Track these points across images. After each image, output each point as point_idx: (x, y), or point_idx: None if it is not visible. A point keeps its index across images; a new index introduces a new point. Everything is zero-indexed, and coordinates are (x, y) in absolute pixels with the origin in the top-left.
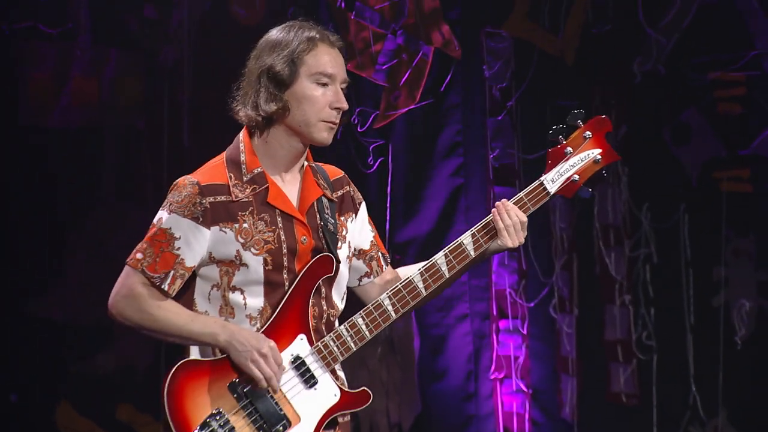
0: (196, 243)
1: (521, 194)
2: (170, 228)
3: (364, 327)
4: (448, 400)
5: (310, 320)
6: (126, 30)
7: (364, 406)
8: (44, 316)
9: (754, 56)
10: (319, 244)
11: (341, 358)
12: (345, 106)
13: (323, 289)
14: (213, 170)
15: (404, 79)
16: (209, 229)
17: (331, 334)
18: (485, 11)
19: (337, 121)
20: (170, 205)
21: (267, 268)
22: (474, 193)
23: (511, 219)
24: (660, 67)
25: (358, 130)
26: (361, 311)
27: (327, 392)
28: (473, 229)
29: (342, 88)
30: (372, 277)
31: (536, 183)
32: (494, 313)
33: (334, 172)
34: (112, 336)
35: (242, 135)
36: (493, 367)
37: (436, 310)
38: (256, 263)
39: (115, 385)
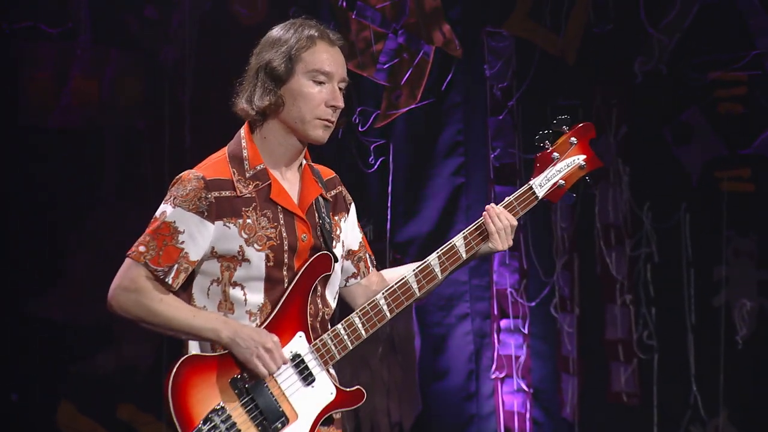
0: (200, 237)
1: (511, 198)
2: (174, 221)
3: (360, 326)
4: (449, 399)
5: (308, 318)
6: (126, 30)
7: (358, 405)
8: (45, 316)
9: (755, 56)
10: (317, 243)
11: (338, 357)
12: (341, 104)
13: (319, 288)
14: (216, 165)
15: (405, 78)
16: (213, 224)
17: (329, 332)
18: (486, 10)
19: (333, 119)
20: (174, 198)
21: (269, 264)
22: (475, 193)
23: (501, 222)
24: (661, 66)
25: (359, 129)
26: (357, 310)
27: (324, 390)
28: (465, 232)
29: (340, 87)
30: (359, 278)
31: (525, 187)
32: (495, 312)
33: (327, 172)
34: (112, 335)
35: (243, 131)
36: (494, 366)
37: (437, 309)
38: (258, 259)
39: (115, 384)
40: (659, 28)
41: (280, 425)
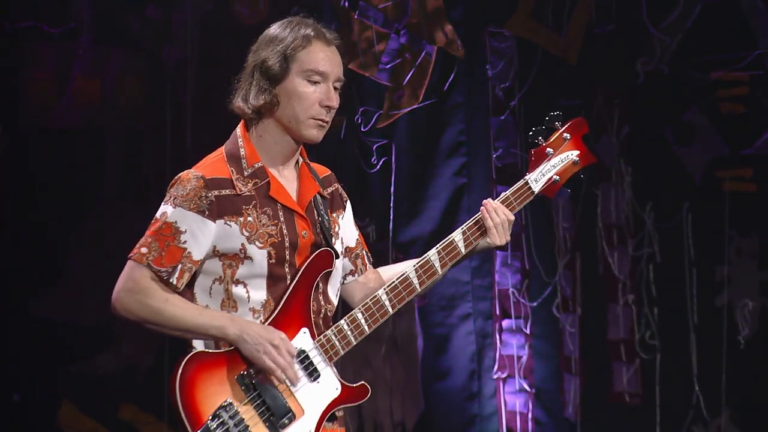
0: (202, 236)
1: (507, 193)
2: (176, 221)
3: (363, 322)
4: (451, 399)
5: (311, 314)
6: (128, 30)
7: (363, 400)
8: (46, 316)
9: (757, 56)
10: (317, 239)
11: (342, 352)
12: (335, 104)
13: (321, 285)
14: (214, 165)
15: (407, 78)
16: (215, 222)
17: (333, 328)
18: (488, 11)
19: (327, 119)
20: (174, 199)
21: (271, 261)
22: (477, 193)
23: (499, 217)
24: (663, 66)
25: (362, 129)
26: (360, 306)
27: (329, 386)
28: (463, 227)
29: (336, 87)
30: (356, 275)
31: (521, 182)
32: (497, 312)
33: (323, 170)
34: (114, 335)
35: (239, 130)
36: (496, 366)
37: (440, 309)
38: (260, 257)
39: (117, 384)
40: (661, 28)
41: (287, 421)
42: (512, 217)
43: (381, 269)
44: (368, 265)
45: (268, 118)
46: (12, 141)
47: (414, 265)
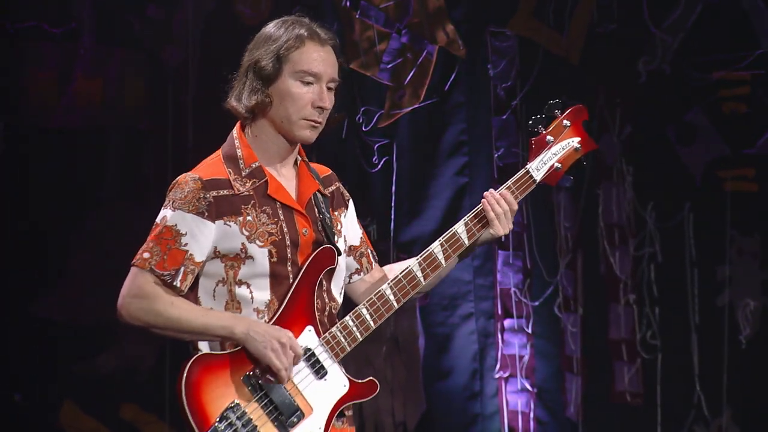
0: (202, 237)
1: (509, 183)
2: (176, 225)
3: (368, 317)
4: (452, 398)
5: (316, 312)
6: (129, 30)
7: (371, 396)
8: (47, 316)
9: (759, 55)
10: (319, 237)
11: (348, 349)
12: (327, 105)
13: (324, 282)
14: (212, 166)
15: (409, 78)
16: (214, 223)
17: (338, 325)
18: (490, 10)
19: (320, 119)
20: (173, 202)
21: (272, 260)
22: (478, 193)
23: (501, 208)
24: (665, 66)
25: (363, 129)
26: (365, 302)
27: (337, 383)
28: (466, 218)
29: (330, 87)
30: (362, 274)
31: (522, 171)
32: (499, 312)
33: (323, 169)
34: (115, 335)
35: (235, 131)
36: (497, 366)
37: (441, 309)
38: (261, 255)
39: (118, 384)
40: (663, 27)
41: (296, 419)
42: (515, 207)
43: (387, 267)
44: (374, 263)
45: (262, 119)
46: (13, 141)
47: (417, 259)
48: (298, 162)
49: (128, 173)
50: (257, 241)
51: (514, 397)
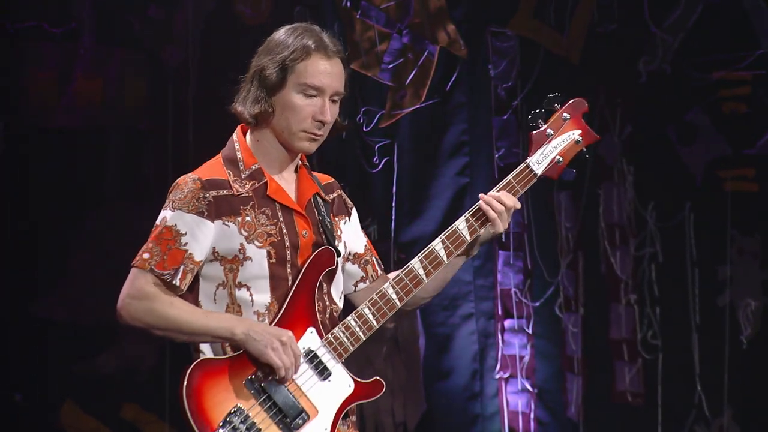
0: (202, 236)
1: (509, 177)
2: (175, 225)
3: (370, 316)
4: (453, 399)
5: (317, 314)
6: (130, 30)
7: (378, 396)
8: (48, 316)
9: (760, 55)
10: (319, 239)
11: (352, 349)
12: (328, 119)
13: (324, 285)
14: (212, 167)
15: (410, 78)
16: (213, 222)
17: (340, 325)
18: (491, 10)
19: (320, 132)
20: (173, 203)
21: (271, 261)
22: (479, 193)
23: (497, 209)
24: (665, 66)
25: (364, 129)
26: (366, 301)
27: (341, 383)
28: (467, 214)
29: (334, 99)
30: (368, 281)
31: (522, 165)
32: (499, 312)
33: (325, 178)
34: (115, 335)
35: (236, 135)
36: (498, 366)
37: (442, 309)
38: (260, 256)
39: (119, 384)
40: (663, 27)
41: (300, 421)
42: (518, 204)
43: (392, 274)
44: (379, 271)
45: (265, 126)
46: (13, 140)
47: (419, 257)
48: (299, 166)
49: (128, 173)
50: (256, 242)
51: (515, 398)
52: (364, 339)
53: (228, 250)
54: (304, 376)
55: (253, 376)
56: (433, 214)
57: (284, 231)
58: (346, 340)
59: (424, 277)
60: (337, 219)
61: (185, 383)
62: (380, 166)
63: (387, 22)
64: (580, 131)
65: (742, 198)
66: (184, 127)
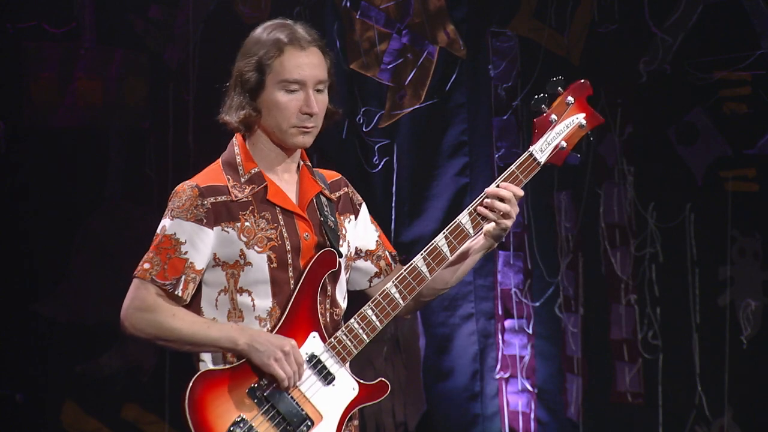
0: (201, 244)
1: (512, 168)
2: (175, 233)
3: (374, 318)
4: (453, 399)
5: (320, 317)
6: (131, 30)
7: (383, 397)
8: (49, 316)
9: (760, 55)
10: (321, 240)
11: (355, 352)
12: (314, 110)
13: (328, 288)
14: (210, 173)
15: (409, 78)
16: (212, 229)
17: (343, 328)
18: (491, 10)
19: (310, 124)
20: (172, 211)
21: (272, 265)
22: (479, 193)
23: (508, 195)
24: (666, 66)
25: (363, 129)
26: (370, 302)
27: (345, 387)
28: (470, 208)
29: (319, 89)
30: (382, 276)
31: (526, 155)
32: (499, 312)
33: (332, 174)
34: (117, 335)
35: (236, 139)
36: (498, 366)
37: (442, 309)
38: (260, 261)
39: (120, 384)
40: (664, 27)
41: (305, 428)
42: (521, 192)
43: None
44: (393, 264)
45: (257, 129)
46: (14, 141)
47: (422, 254)
48: (301, 166)
49: (129, 173)
50: (255, 247)
51: (515, 398)
52: (367, 341)
53: (228, 256)
54: (308, 382)
55: (255, 385)
56: (433, 214)
57: (285, 234)
58: (349, 344)
59: (428, 275)
60: (342, 218)
61: (187, 396)
62: (380, 167)
63: (387, 22)
64: (584, 114)
65: (743, 198)
66: (184, 127)
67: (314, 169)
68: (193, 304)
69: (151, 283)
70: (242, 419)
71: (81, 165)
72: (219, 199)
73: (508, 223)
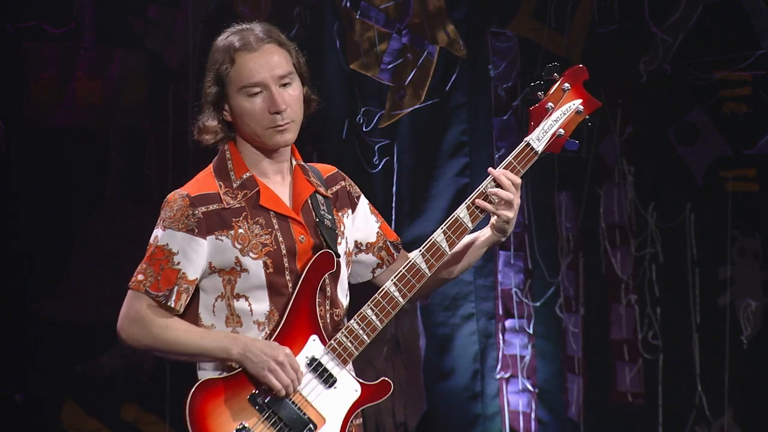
0: (194, 255)
1: (509, 158)
2: (167, 244)
3: (374, 317)
4: (454, 399)
5: (319, 320)
6: (130, 30)
7: (386, 397)
8: (50, 316)
9: (760, 56)
10: (317, 242)
11: (356, 353)
12: (280, 108)
13: (328, 288)
14: (202, 181)
15: (409, 78)
16: (205, 239)
17: (343, 330)
18: (491, 10)
19: (283, 122)
20: (163, 221)
21: (268, 271)
22: None
23: (506, 183)
24: (666, 66)
25: (363, 129)
26: (369, 302)
27: (348, 389)
28: (467, 201)
29: (285, 83)
30: (384, 267)
31: (522, 144)
32: (500, 312)
33: (327, 169)
34: (117, 336)
35: (227, 145)
36: (499, 366)
37: (442, 309)
38: (256, 267)
39: (120, 384)
40: (664, 27)
41: None
42: (518, 181)
43: (412, 253)
44: (395, 254)
45: (238, 137)
46: (14, 141)
47: (420, 250)
48: (294, 165)
49: (129, 173)
50: (251, 253)
51: (515, 398)
52: (368, 342)
53: (224, 264)
54: (309, 386)
55: (256, 392)
56: (434, 214)
57: (280, 239)
58: (350, 345)
59: (427, 271)
60: (340, 214)
61: (188, 406)
62: (380, 167)
63: (386, 23)
64: (581, 100)
65: (743, 198)
66: (184, 127)
67: (309, 164)
68: (191, 311)
69: (145, 294)
70: (244, 427)
71: (81, 165)
72: (211, 207)
73: (509, 213)
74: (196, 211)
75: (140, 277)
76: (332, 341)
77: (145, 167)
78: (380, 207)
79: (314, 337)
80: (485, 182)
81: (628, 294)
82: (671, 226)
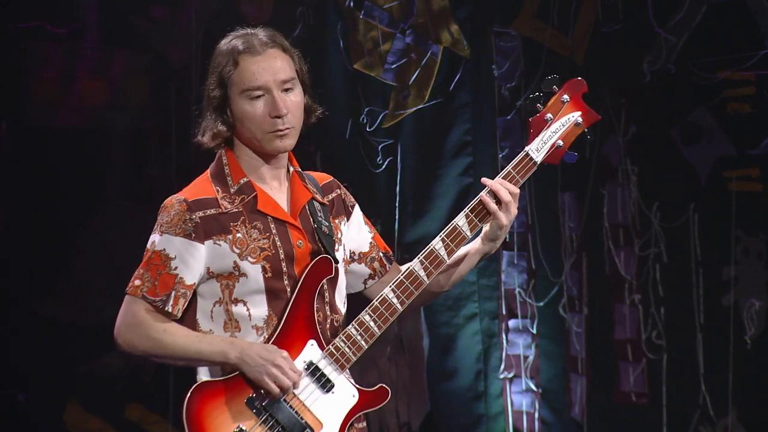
0: (192, 260)
1: (508, 168)
2: (164, 249)
3: (372, 323)
4: (457, 399)
5: (317, 325)
6: (133, 30)
7: (383, 403)
8: (52, 316)
9: (764, 55)
10: (315, 247)
11: (354, 359)
12: (281, 112)
13: (326, 294)
14: (199, 186)
15: (413, 78)
16: (203, 243)
17: (341, 335)
18: (494, 10)
19: (284, 127)
20: (161, 226)
21: (266, 275)
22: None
23: (505, 193)
24: (669, 66)
25: (367, 129)
26: (367, 308)
27: (345, 394)
28: (466, 210)
29: (287, 88)
30: (377, 278)
31: (522, 154)
32: (503, 312)
33: (323, 177)
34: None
35: (224, 150)
36: (502, 366)
37: (446, 309)
38: (255, 272)
39: (123, 384)
40: (667, 27)
41: None
42: (516, 190)
43: (405, 266)
44: (387, 265)
45: (237, 141)
46: (17, 141)
47: (419, 257)
48: (291, 172)
49: (132, 173)
50: (249, 258)
51: (519, 398)
52: (366, 347)
53: (222, 269)
54: (307, 391)
55: (253, 395)
56: (437, 214)
57: (278, 243)
58: (348, 350)
59: (425, 279)
60: (337, 221)
61: (185, 408)
62: (384, 167)
63: (390, 22)
64: (580, 112)
65: (747, 198)
66: (187, 127)
67: (305, 172)
68: (189, 317)
69: (142, 299)
70: (241, 429)
71: (83, 165)
72: (208, 212)
73: (506, 222)
74: (194, 216)
75: (137, 282)
76: (330, 346)
77: (148, 167)
78: (384, 207)
79: (312, 341)
80: (484, 191)
81: (632, 294)
82: (675, 226)
